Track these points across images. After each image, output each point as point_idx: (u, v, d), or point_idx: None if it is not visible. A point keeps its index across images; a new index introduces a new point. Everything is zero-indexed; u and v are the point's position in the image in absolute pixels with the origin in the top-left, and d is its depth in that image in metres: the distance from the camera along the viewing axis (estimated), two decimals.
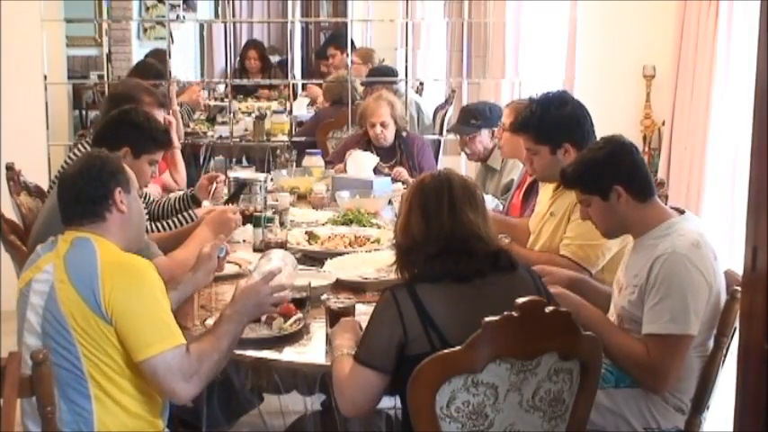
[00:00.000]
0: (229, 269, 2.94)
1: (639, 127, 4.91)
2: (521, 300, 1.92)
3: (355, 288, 2.84)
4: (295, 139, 5.83)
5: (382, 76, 6.05)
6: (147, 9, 9.72)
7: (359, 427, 2.75)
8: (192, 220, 3.43)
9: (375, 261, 3.06)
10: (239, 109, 6.85)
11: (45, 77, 5.15)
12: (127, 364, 2.14)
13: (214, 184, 3.71)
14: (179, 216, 3.50)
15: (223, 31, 9.39)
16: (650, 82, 4.92)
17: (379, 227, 3.63)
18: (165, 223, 3.43)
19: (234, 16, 9.43)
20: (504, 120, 3.93)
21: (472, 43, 6.49)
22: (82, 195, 2.25)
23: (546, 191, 3.27)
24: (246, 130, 6.23)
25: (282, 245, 3.14)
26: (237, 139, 6.08)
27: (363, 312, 2.44)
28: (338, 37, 7.77)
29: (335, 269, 2.98)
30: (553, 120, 3.04)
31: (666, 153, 4.52)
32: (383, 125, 4.69)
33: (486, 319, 1.88)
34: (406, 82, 6.03)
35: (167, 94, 5.26)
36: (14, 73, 4.86)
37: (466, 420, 1.93)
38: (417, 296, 2.02)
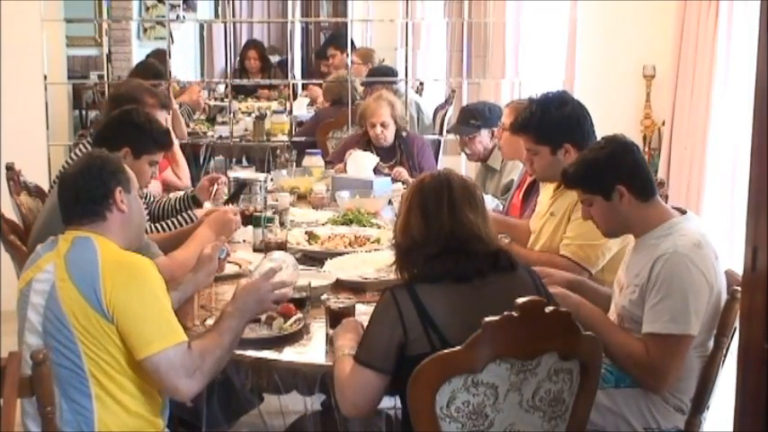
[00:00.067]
0: (229, 269, 2.94)
1: (639, 127, 4.91)
2: (521, 300, 1.92)
3: (355, 288, 2.84)
4: (295, 139, 5.83)
5: (382, 76, 6.05)
6: (147, 9, 9.73)
7: (359, 427, 2.75)
8: (192, 220, 3.43)
9: (375, 261, 3.06)
10: (239, 109, 6.86)
11: (45, 77, 5.14)
12: (128, 363, 2.15)
13: (215, 186, 3.71)
14: (179, 217, 3.50)
15: (223, 31, 9.38)
16: (650, 82, 4.92)
17: (379, 227, 3.63)
18: (164, 223, 3.43)
19: (234, 16, 9.42)
20: (504, 120, 3.92)
21: (472, 43, 6.49)
22: (82, 195, 2.26)
23: (546, 191, 3.27)
24: (246, 130, 6.23)
25: (282, 245, 3.14)
26: (237, 139, 6.08)
27: (363, 312, 2.44)
28: (338, 37, 7.77)
29: (335, 269, 2.98)
30: (553, 120, 3.04)
31: (666, 153, 4.52)
32: (383, 125, 4.69)
33: (487, 319, 1.88)
34: (406, 82, 6.03)
35: (168, 94, 5.26)
36: (14, 73, 4.86)
37: (466, 420, 1.93)
38: (417, 296, 2.02)
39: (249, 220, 3.47)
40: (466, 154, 4.51)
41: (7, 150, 4.35)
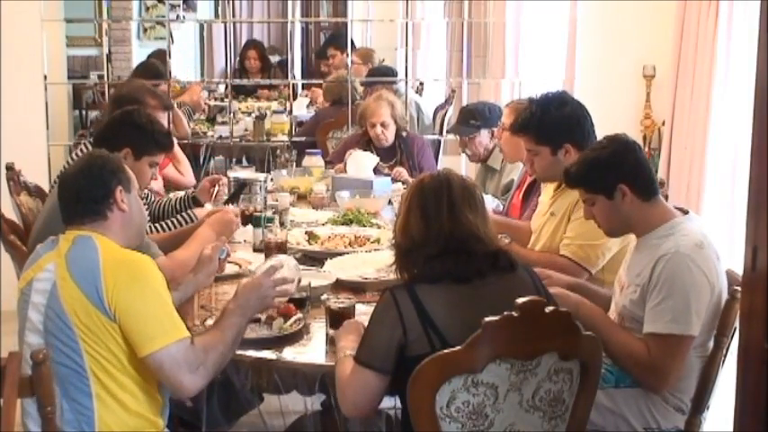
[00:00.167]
0: (230, 269, 2.94)
1: (639, 127, 4.91)
2: (521, 300, 1.92)
3: (355, 288, 2.84)
4: (295, 139, 5.83)
5: (382, 76, 6.05)
6: (147, 9, 9.73)
7: (359, 427, 2.75)
8: (192, 220, 3.43)
9: (375, 261, 3.06)
10: (239, 109, 6.86)
11: (45, 77, 5.14)
12: (129, 362, 2.15)
13: (216, 187, 3.70)
14: (179, 216, 3.49)
15: (223, 31, 9.38)
16: (650, 82, 4.92)
17: (379, 227, 3.63)
18: (164, 223, 3.43)
19: (234, 16, 9.42)
20: (504, 120, 3.93)
21: (472, 43, 6.49)
22: (83, 194, 2.26)
23: (547, 191, 3.27)
24: (246, 130, 6.23)
25: (282, 245, 3.14)
26: (237, 139, 6.08)
27: (363, 312, 2.44)
28: (338, 37, 7.78)
29: (335, 269, 2.98)
30: (553, 120, 3.04)
31: (666, 153, 4.52)
32: (383, 125, 4.69)
33: (487, 319, 1.88)
34: (406, 82, 6.03)
35: (168, 94, 5.26)
36: (14, 73, 4.86)
37: (466, 420, 1.93)
38: (417, 297, 2.02)
39: (249, 220, 3.48)
40: (466, 154, 4.51)
41: (7, 150, 4.35)
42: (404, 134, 4.82)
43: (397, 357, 2.02)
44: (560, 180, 3.08)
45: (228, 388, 2.99)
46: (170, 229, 3.38)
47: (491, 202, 3.94)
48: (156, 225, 3.38)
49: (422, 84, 7.33)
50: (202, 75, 10.36)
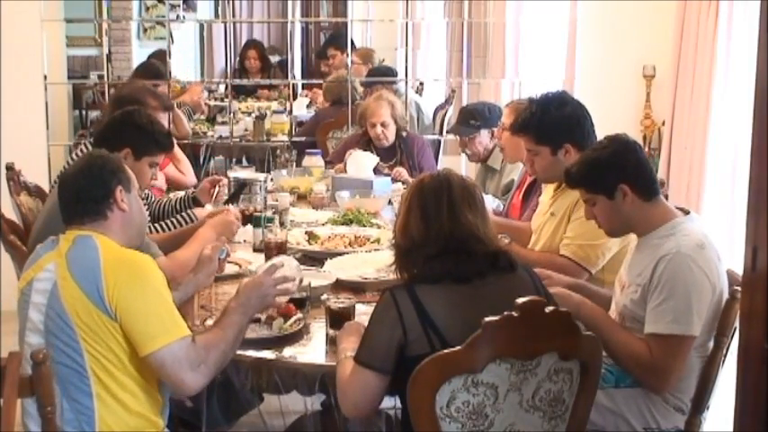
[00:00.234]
0: (229, 269, 2.94)
1: (639, 127, 4.91)
2: (521, 300, 1.92)
3: (355, 288, 2.84)
4: (295, 139, 5.83)
5: (382, 76, 6.05)
6: (147, 9, 9.73)
7: (359, 427, 2.75)
8: (192, 220, 3.43)
9: (375, 261, 3.06)
10: (239, 109, 6.86)
11: (45, 77, 5.14)
12: (129, 361, 2.16)
13: (216, 188, 3.70)
14: (178, 216, 3.49)
15: (223, 31, 9.39)
16: (650, 82, 4.92)
17: (379, 227, 3.63)
18: (164, 223, 3.43)
19: (234, 16, 9.42)
20: (504, 120, 3.93)
21: (472, 43, 6.49)
22: (83, 194, 2.26)
23: (548, 191, 3.27)
24: (246, 130, 6.23)
25: (282, 245, 3.14)
26: (237, 139, 6.08)
27: (363, 312, 2.44)
28: (338, 37, 7.77)
29: (335, 269, 2.98)
30: (553, 120, 3.04)
31: (666, 153, 4.52)
32: (383, 125, 4.69)
33: (487, 319, 1.88)
34: (406, 82, 6.03)
35: (168, 95, 5.26)
36: (14, 73, 4.86)
37: (466, 420, 1.93)
38: (417, 297, 2.02)
39: (249, 220, 3.48)
40: (466, 154, 4.51)
41: (7, 150, 4.36)
42: (404, 134, 4.82)
43: (397, 357, 2.02)
44: (560, 180, 3.08)
45: (228, 388, 2.99)
46: (170, 229, 3.38)
47: (491, 203, 3.94)
48: (156, 225, 3.38)
49: (422, 84, 7.33)
50: (202, 75, 10.36)
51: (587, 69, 5.07)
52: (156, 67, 5.88)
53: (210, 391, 2.90)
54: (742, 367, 1.50)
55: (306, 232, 3.47)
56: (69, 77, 6.91)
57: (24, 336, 2.21)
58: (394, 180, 4.40)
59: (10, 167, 3.62)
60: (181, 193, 3.88)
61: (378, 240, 3.37)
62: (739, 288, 2.01)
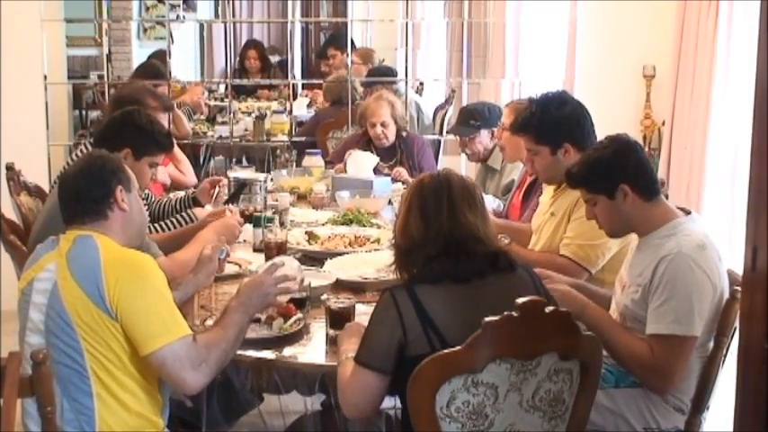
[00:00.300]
0: (229, 269, 2.94)
1: (639, 127, 4.91)
2: (521, 300, 1.92)
3: (355, 288, 2.84)
4: (295, 139, 5.83)
5: (382, 76, 6.05)
6: (147, 9, 9.73)
7: (359, 427, 2.75)
8: (192, 220, 3.43)
9: (375, 261, 3.06)
10: (239, 109, 6.86)
11: (45, 77, 5.15)
12: (130, 361, 2.16)
13: (216, 188, 3.70)
14: (178, 216, 3.49)
15: (223, 31, 9.39)
16: (650, 82, 4.92)
17: (379, 227, 3.63)
18: (163, 223, 3.43)
19: (234, 16, 9.43)
20: (504, 120, 3.93)
21: (472, 43, 6.49)
22: (83, 194, 2.26)
23: (548, 190, 3.27)
24: (246, 130, 6.23)
25: (282, 245, 3.15)
26: (237, 139, 6.08)
27: (363, 312, 2.44)
28: (338, 37, 7.78)
29: (335, 269, 2.98)
30: (553, 120, 3.04)
31: (666, 153, 4.52)
32: (383, 125, 4.69)
33: (487, 319, 1.88)
34: (406, 82, 6.03)
35: (168, 95, 5.26)
36: (14, 73, 4.86)
37: (466, 420, 1.93)
38: (417, 297, 2.02)
39: (249, 220, 3.48)
40: (466, 154, 4.51)
41: (7, 150, 4.36)
42: (404, 134, 4.82)
43: (397, 357, 2.02)
44: (561, 180, 3.08)
45: (228, 388, 2.99)
46: (169, 229, 3.38)
47: (492, 203, 3.94)
48: (156, 225, 3.38)
49: (422, 84, 7.33)
50: (202, 75, 10.36)
51: (587, 69, 5.07)
52: (156, 67, 5.88)
53: (210, 391, 2.90)
54: (742, 367, 1.50)
55: (306, 232, 3.47)
56: (69, 77, 6.91)
57: (25, 336, 2.21)
58: (394, 180, 4.40)
59: (10, 167, 3.62)
60: (181, 194, 3.88)
61: (378, 240, 3.37)
62: (739, 288, 2.02)
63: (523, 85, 5.93)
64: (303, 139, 5.77)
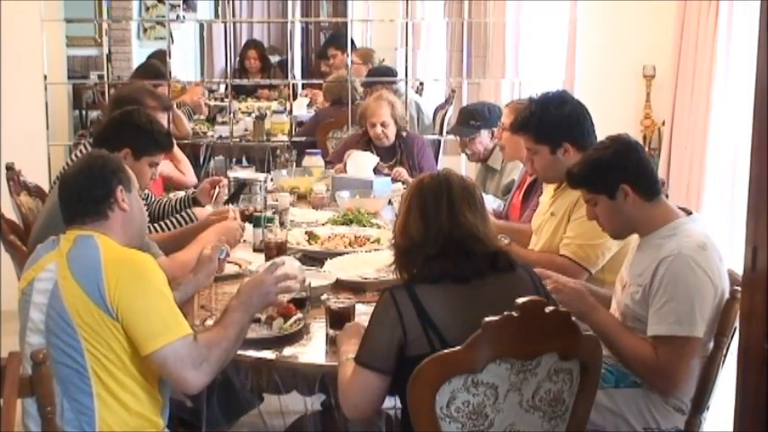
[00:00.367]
0: (229, 269, 2.94)
1: (639, 127, 4.91)
2: (521, 300, 1.92)
3: (355, 288, 2.84)
4: (295, 139, 5.83)
5: (382, 76, 6.05)
6: (147, 9, 9.73)
7: (359, 427, 2.75)
8: (192, 219, 3.43)
9: (375, 261, 3.06)
10: (239, 109, 6.86)
11: (45, 77, 5.15)
12: (130, 361, 2.16)
13: (216, 189, 3.70)
14: (177, 216, 3.49)
15: (223, 31, 9.39)
16: (650, 82, 4.92)
17: (379, 227, 3.63)
18: (163, 223, 3.42)
19: (234, 16, 9.43)
20: (504, 120, 3.93)
21: (472, 43, 6.49)
22: (84, 194, 2.26)
23: (548, 190, 3.27)
24: (246, 130, 6.23)
25: (282, 245, 3.15)
26: (237, 139, 6.08)
27: (363, 312, 2.44)
28: (338, 37, 7.77)
29: (335, 269, 2.98)
30: (552, 119, 3.04)
31: (666, 153, 4.52)
32: (383, 125, 4.69)
33: (487, 319, 1.88)
34: (406, 82, 6.03)
35: (168, 95, 5.26)
36: (14, 73, 4.86)
37: (466, 420, 1.93)
38: (416, 297, 2.02)
39: (249, 219, 3.47)
40: (466, 154, 4.51)
41: (7, 150, 4.36)
42: (404, 134, 4.82)
43: (397, 357, 2.02)
44: (561, 180, 3.08)
45: (228, 388, 2.99)
46: (169, 228, 3.38)
47: (493, 203, 3.94)
48: (156, 225, 3.38)
49: (422, 84, 7.33)
50: (202, 75, 10.36)
51: (587, 69, 5.07)
52: (156, 67, 5.88)
53: (210, 391, 2.90)
54: (742, 367, 1.50)
55: (306, 232, 3.47)
56: (69, 77, 6.90)
57: (25, 336, 2.21)
58: (394, 180, 4.40)
59: (10, 167, 3.62)
60: (181, 194, 3.88)
61: (378, 240, 3.37)
62: (739, 288, 2.01)
63: (523, 85, 5.93)
64: (303, 139, 5.77)
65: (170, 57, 5.82)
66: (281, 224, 3.47)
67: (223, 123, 6.47)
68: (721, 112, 4.18)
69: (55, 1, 5.73)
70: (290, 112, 6.21)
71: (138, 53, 9.00)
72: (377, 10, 7.83)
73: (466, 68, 6.23)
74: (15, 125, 4.79)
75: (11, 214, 3.37)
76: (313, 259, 3.20)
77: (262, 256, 3.15)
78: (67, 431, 2.15)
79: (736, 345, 1.58)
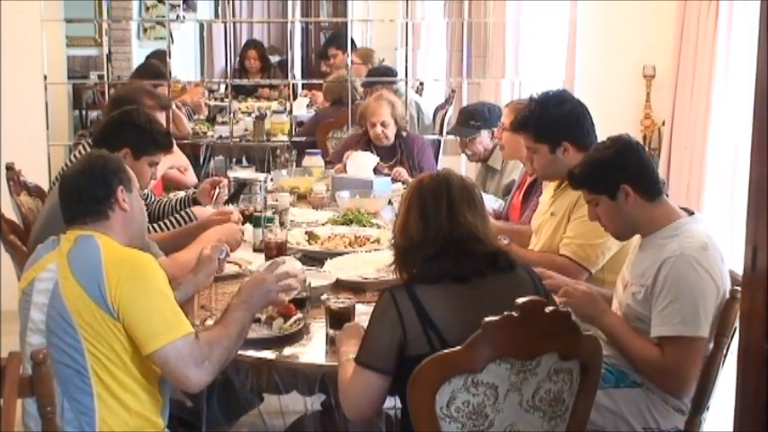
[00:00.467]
0: (229, 269, 2.94)
1: (639, 127, 4.91)
2: (521, 300, 1.92)
3: (355, 288, 2.84)
4: (295, 139, 5.83)
5: (382, 76, 6.05)
6: (147, 9, 9.73)
7: (359, 427, 2.75)
8: (191, 219, 3.43)
9: (375, 261, 3.06)
10: (239, 109, 6.86)
11: (45, 77, 5.15)
12: (131, 361, 2.16)
13: (217, 189, 3.70)
14: (176, 216, 3.49)
15: (223, 31, 9.40)
16: (650, 82, 4.92)
17: (379, 227, 3.63)
18: (162, 223, 3.42)
19: (234, 16, 9.43)
20: (504, 120, 3.93)
21: (472, 43, 6.49)
22: (84, 194, 2.27)
23: (548, 190, 3.28)
24: (246, 130, 6.23)
25: (282, 245, 3.15)
26: (237, 139, 6.08)
27: (363, 312, 2.44)
28: (338, 37, 7.78)
29: (335, 269, 2.98)
30: (552, 118, 3.04)
31: (666, 153, 4.52)
32: (384, 125, 4.69)
33: (487, 319, 1.88)
34: (406, 82, 6.03)
35: (168, 94, 5.26)
36: (14, 73, 4.86)
37: (466, 420, 1.93)
38: (416, 297, 2.02)
39: (249, 220, 3.47)
40: (466, 155, 4.51)
41: (7, 150, 4.35)
42: (404, 134, 4.82)
43: (397, 357, 2.02)
44: (560, 179, 3.08)
45: (228, 388, 2.99)
46: (168, 228, 3.37)
47: (494, 203, 3.94)
48: (155, 225, 3.37)
49: (422, 84, 7.33)
50: (202, 75, 10.36)
51: (587, 69, 5.07)
52: (156, 67, 5.88)
53: (210, 391, 2.90)
54: (742, 367, 1.50)
55: (306, 232, 3.47)
56: (69, 77, 6.90)
57: (26, 336, 2.21)
58: (394, 180, 4.40)
59: (10, 167, 3.62)
60: (181, 194, 3.88)
61: (378, 240, 3.37)
62: (739, 288, 2.01)
63: (523, 85, 5.93)
64: (303, 139, 5.77)
65: (170, 57, 5.81)
66: (281, 224, 3.47)
67: (223, 123, 6.47)
68: (721, 112, 4.18)
69: (55, 1, 5.73)
70: (290, 112, 6.21)
71: (138, 53, 9.00)
72: (377, 10, 7.83)
73: (466, 68, 6.23)
74: (15, 125, 4.79)
75: (11, 214, 3.37)
76: (313, 259, 3.20)
77: (262, 256, 3.14)
78: (68, 431, 2.15)
79: (736, 345, 1.58)
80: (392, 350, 2.01)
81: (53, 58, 5.55)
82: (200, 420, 2.97)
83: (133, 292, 2.12)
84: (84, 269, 2.14)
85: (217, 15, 9.64)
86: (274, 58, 8.96)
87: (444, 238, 2.08)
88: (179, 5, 9.37)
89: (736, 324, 2.13)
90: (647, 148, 4.84)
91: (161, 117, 3.62)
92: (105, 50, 6.56)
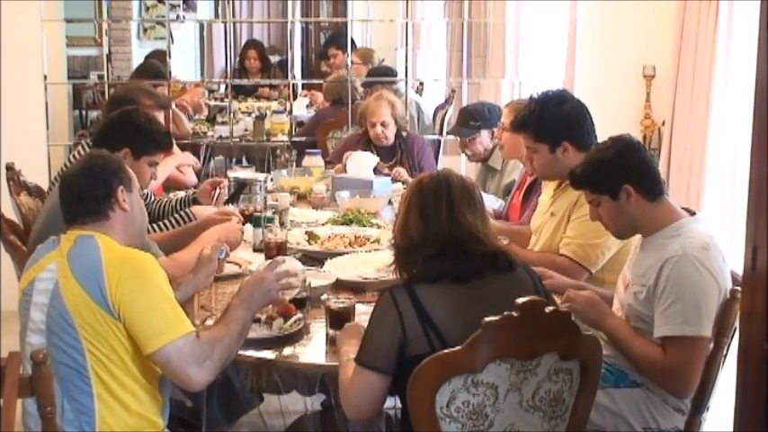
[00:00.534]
0: (229, 269, 2.94)
1: (639, 127, 4.91)
2: (521, 300, 1.92)
3: (355, 288, 2.84)
4: (295, 139, 5.83)
5: (382, 76, 6.05)
6: (147, 9, 9.73)
7: (359, 427, 2.75)
8: (190, 219, 3.43)
9: (375, 261, 3.06)
10: (239, 109, 6.86)
11: (45, 77, 5.15)
12: (131, 361, 2.16)
13: (217, 189, 3.70)
14: (176, 215, 3.49)
15: (223, 31, 9.39)
16: (650, 82, 4.92)
17: (379, 227, 3.63)
18: (162, 223, 3.42)
19: (234, 16, 9.43)
20: (504, 119, 3.93)
21: (472, 43, 6.49)
22: (85, 194, 2.27)
23: (548, 190, 3.28)
24: (246, 130, 6.23)
25: (282, 245, 3.15)
26: (237, 139, 6.08)
27: (363, 312, 2.44)
28: (338, 37, 7.78)
29: (335, 269, 2.98)
30: (552, 118, 3.04)
31: (666, 153, 4.52)
32: (384, 125, 4.69)
33: (487, 319, 1.88)
34: (406, 82, 6.03)
35: (168, 94, 5.26)
36: (14, 73, 4.86)
37: (466, 420, 1.93)
38: (416, 297, 2.02)
39: (249, 219, 3.47)
40: (466, 155, 4.51)
41: (7, 150, 4.36)
42: (404, 134, 4.82)
43: (397, 357, 2.02)
44: (560, 179, 3.08)
45: (228, 388, 2.99)
46: (168, 228, 3.37)
47: (494, 203, 3.94)
48: (154, 225, 3.37)
49: (422, 84, 7.33)
50: (202, 75, 10.36)
51: (587, 69, 5.07)
52: (156, 67, 5.88)
53: (210, 391, 2.90)
54: (742, 367, 1.50)
55: (306, 232, 3.47)
56: (69, 77, 6.90)
57: (26, 336, 2.21)
58: (394, 180, 4.40)
59: (10, 167, 3.62)
60: (181, 194, 3.88)
61: (378, 240, 3.37)
62: (739, 288, 2.01)
63: (523, 85, 5.93)
64: (303, 139, 5.77)
65: (170, 57, 5.82)
66: (281, 224, 3.47)
67: (223, 123, 6.47)
68: (721, 112, 4.18)
69: (55, 1, 5.73)
70: (290, 112, 6.21)
71: (138, 53, 9.00)
72: (377, 10, 7.83)
73: (466, 68, 6.23)
74: (15, 125, 4.79)
75: (11, 214, 3.37)
76: (313, 259, 3.20)
77: (262, 256, 3.14)
78: (68, 431, 2.15)
79: (736, 345, 1.58)
80: (392, 350, 2.01)
81: (53, 58, 5.55)
82: (201, 420, 2.97)
83: (134, 292, 2.12)
84: (84, 269, 2.14)
85: (217, 15, 9.64)
86: (274, 58, 8.96)
87: (444, 238, 2.08)
88: (179, 5, 9.37)
89: (737, 324, 2.13)
90: (646, 148, 4.84)
91: (159, 116, 3.62)
92: (105, 50, 6.56)
